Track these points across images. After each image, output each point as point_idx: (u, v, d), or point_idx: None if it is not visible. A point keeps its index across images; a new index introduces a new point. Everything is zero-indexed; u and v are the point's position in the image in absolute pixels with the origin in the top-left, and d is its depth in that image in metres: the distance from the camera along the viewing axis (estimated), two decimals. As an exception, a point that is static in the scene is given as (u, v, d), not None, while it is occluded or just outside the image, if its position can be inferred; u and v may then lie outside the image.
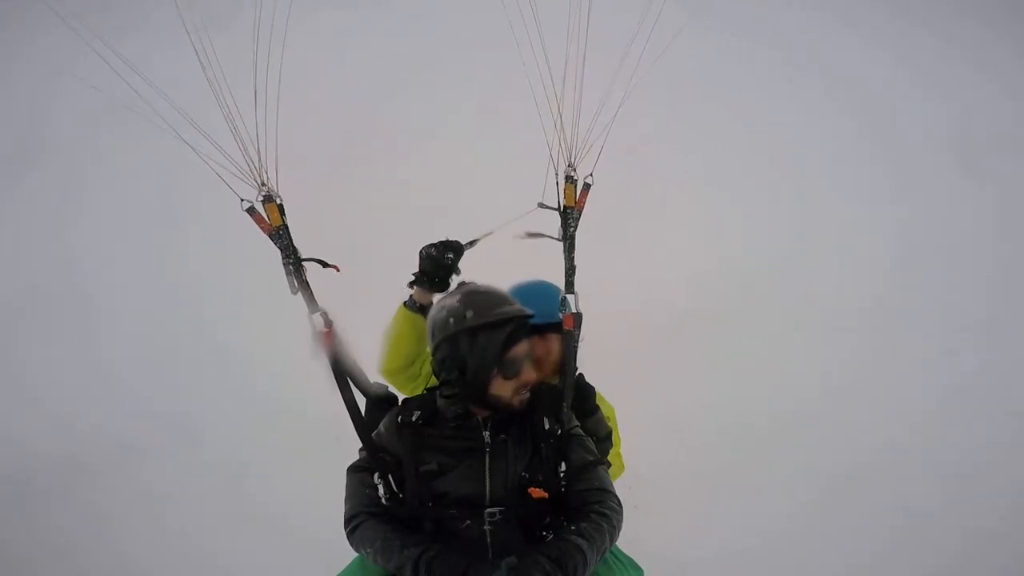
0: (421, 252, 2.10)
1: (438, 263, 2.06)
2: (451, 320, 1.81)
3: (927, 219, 5.44)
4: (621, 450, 2.40)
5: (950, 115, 5.77)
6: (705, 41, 4.95)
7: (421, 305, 2.08)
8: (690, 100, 5.43)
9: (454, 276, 2.11)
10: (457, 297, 1.86)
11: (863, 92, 5.85)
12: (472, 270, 2.13)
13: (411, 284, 2.11)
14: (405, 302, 2.09)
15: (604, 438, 2.23)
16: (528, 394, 1.89)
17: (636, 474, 2.13)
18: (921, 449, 3.96)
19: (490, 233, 2.14)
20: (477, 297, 1.85)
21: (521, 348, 1.84)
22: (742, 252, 5.36)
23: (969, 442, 3.98)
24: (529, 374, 1.86)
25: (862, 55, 5.91)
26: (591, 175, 2.10)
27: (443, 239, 2.11)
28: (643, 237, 5.41)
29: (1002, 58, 5.83)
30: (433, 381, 2.07)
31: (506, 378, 1.83)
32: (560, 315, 2.07)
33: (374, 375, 2.16)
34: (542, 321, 2.02)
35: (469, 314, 1.80)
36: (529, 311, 1.87)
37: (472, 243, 2.14)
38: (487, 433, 1.88)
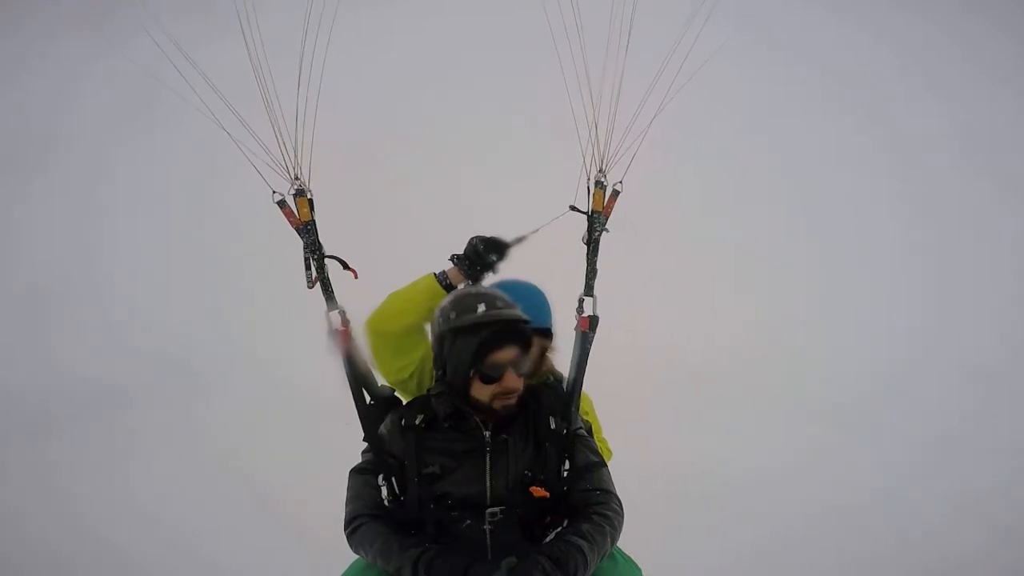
0: (471, 239, 2.08)
1: (480, 257, 2.04)
2: (441, 319, 1.84)
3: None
4: (604, 435, 2.39)
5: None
6: (741, 61, 4.94)
7: (450, 283, 2.04)
8: (720, 121, 5.42)
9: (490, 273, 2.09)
10: (452, 297, 1.88)
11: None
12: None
13: (452, 259, 2.07)
14: (436, 273, 2.05)
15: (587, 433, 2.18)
16: (513, 400, 1.84)
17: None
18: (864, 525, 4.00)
19: (537, 231, 2.11)
20: (467, 299, 1.84)
21: (503, 354, 1.79)
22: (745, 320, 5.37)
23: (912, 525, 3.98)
24: (511, 381, 1.80)
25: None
26: (621, 182, 2.09)
27: (495, 236, 2.08)
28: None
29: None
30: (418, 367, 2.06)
31: (483, 382, 1.80)
32: (547, 319, 2.09)
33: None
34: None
35: (453, 315, 1.81)
36: (516, 316, 1.82)
37: (519, 240, 2.11)
38: (487, 433, 1.87)
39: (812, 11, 5.72)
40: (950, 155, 5.67)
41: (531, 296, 2.18)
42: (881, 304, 5.66)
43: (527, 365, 1.85)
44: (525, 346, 1.84)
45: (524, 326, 1.83)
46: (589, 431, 2.19)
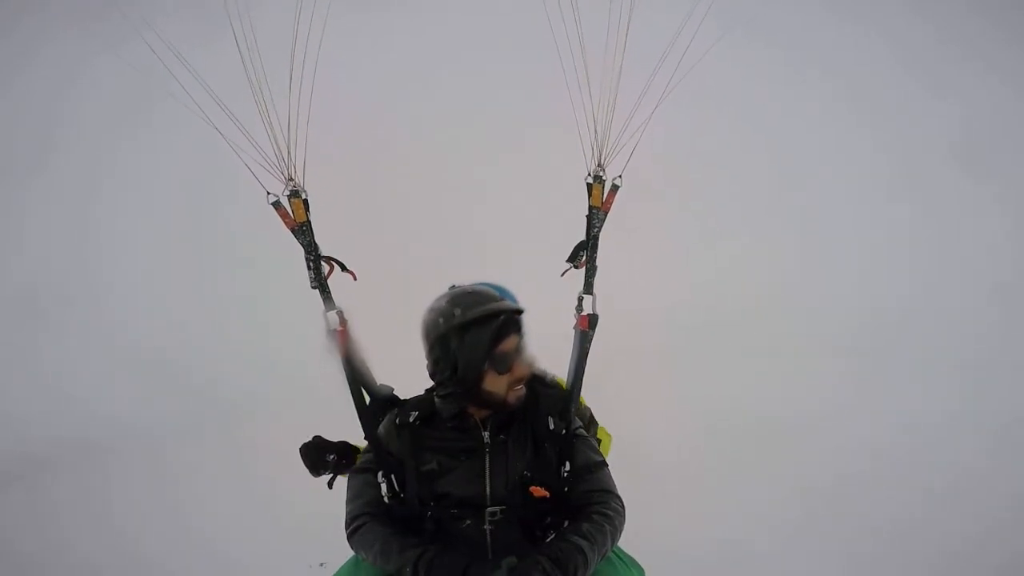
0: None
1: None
2: (441, 320, 1.82)
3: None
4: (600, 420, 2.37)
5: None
6: (740, 55, 4.93)
7: None
8: (712, 111, 5.42)
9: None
10: (446, 298, 1.87)
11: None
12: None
13: None
14: None
15: (589, 421, 2.21)
16: (524, 390, 1.86)
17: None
18: (907, 462, 4.04)
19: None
20: (464, 296, 1.85)
21: (511, 342, 1.81)
22: (745, 272, 5.40)
23: (954, 459, 4.01)
24: (522, 368, 1.83)
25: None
26: (620, 176, 2.06)
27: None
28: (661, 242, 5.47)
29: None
30: None
31: (499, 373, 1.81)
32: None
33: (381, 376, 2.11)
34: None
35: (457, 312, 1.81)
36: (519, 306, 1.86)
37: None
38: (486, 433, 1.87)
39: (811, 9, 5.74)
40: (950, 155, 5.73)
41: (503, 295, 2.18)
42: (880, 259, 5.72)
43: (527, 353, 1.86)
44: (522, 336, 1.86)
45: (520, 316, 1.86)
46: (591, 420, 2.19)
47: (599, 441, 2.22)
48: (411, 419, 1.88)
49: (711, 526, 3.48)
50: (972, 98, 5.74)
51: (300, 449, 2.16)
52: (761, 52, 5.42)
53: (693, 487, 3.87)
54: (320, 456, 2.14)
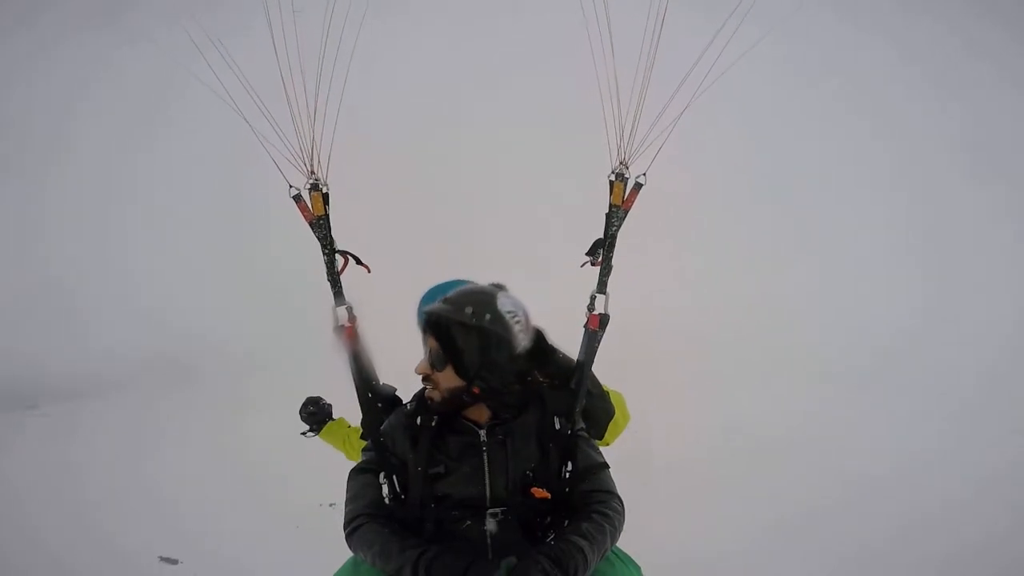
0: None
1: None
2: None
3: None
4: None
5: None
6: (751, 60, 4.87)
7: None
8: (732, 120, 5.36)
9: None
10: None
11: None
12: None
13: None
14: None
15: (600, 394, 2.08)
16: (433, 392, 1.84)
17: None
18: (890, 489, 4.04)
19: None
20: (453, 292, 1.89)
21: (428, 342, 1.83)
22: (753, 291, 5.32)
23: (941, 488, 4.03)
24: (420, 365, 1.84)
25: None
26: (644, 175, 1.99)
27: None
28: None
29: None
30: None
31: None
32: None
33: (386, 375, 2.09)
34: None
35: None
36: (432, 311, 1.83)
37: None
38: (483, 432, 1.85)
39: (821, 14, 5.67)
40: (955, 154, 5.57)
41: None
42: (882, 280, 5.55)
43: (438, 363, 1.81)
44: (446, 345, 1.79)
45: (441, 323, 1.80)
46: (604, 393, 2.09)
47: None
48: (432, 422, 1.85)
49: (701, 535, 3.51)
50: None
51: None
52: (768, 54, 5.31)
53: (685, 497, 3.91)
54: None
